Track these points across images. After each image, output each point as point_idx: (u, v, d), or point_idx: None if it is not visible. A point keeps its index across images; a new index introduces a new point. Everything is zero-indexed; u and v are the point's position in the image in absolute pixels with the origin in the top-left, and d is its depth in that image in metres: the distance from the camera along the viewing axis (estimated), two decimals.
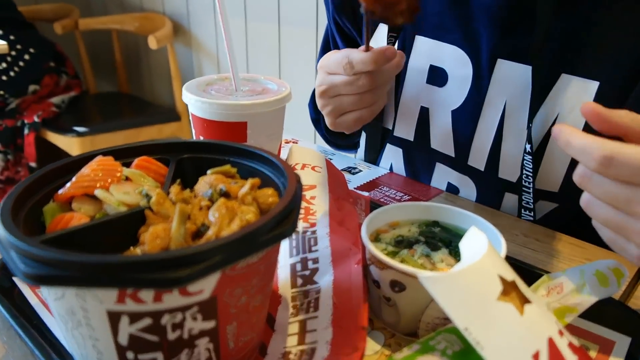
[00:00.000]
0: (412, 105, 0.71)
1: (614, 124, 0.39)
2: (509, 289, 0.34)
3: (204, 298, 0.31)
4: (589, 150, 0.37)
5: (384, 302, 0.42)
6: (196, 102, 0.51)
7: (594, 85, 0.57)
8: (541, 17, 0.57)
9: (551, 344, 0.32)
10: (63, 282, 0.28)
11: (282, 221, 0.33)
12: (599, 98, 0.57)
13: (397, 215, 0.49)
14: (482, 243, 0.36)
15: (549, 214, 0.66)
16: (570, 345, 0.33)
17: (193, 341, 0.33)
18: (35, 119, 2.10)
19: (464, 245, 0.38)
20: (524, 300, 0.33)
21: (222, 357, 0.35)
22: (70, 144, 2.04)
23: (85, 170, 0.40)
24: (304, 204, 0.50)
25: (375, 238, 0.46)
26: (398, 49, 0.69)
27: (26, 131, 2.10)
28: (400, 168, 0.78)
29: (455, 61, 0.66)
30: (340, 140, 0.86)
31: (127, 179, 0.41)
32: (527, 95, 0.60)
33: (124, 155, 0.44)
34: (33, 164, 2.13)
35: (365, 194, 0.62)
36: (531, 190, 0.62)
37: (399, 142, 0.75)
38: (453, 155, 0.70)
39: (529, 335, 0.32)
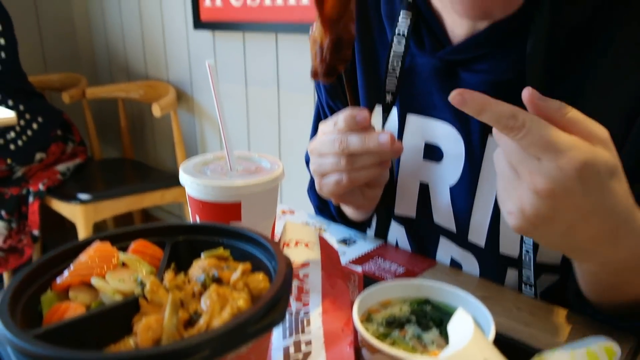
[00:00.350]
0: (411, 182, 0.72)
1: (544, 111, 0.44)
2: None
3: None
4: (506, 119, 0.43)
5: None
6: (192, 183, 0.53)
7: None
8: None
9: None
10: None
11: (271, 309, 0.34)
12: None
13: (389, 293, 0.50)
14: (468, 327, 0.37)
15: (551, 286, 0.66)
16: None
17: None
18: (41, 187, 2.13)
19: (451, 328, 0.39)
20: None
21: None
22: (73, 212, 2.06)
23: (83, 257, 0.42)
24: (296, 283, 0.51)
25: (367, 318, 0.47)
26: (388, 130, 0.72)
27: (31, 199, 2.13)
28: (405, 243, 0.78)
29: (448, 138, 0.67)
30: (349, 224, 0.83)
31: (123, 264, 0.43)
32: None
33: (121, 239, 0.46)
34: (36, 232, 2.15)
35: (359, 267, 0.63)
36: (532, 266, 0.62)
37: (401, 220, 0.76)
38: (454, 230, 0.70)
39: None
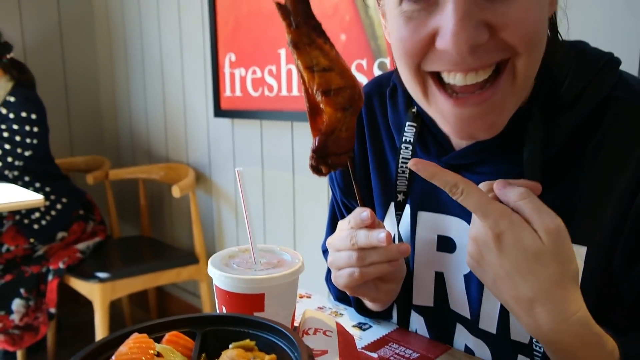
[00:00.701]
0: (426, 273, 0.76)
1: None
2: None
3: None
4: (448, 185, 0.56)
5: None
6: (220, 276, 0.59)
7: (582, 250, 0.62)
8: None
9: None
10: None
11: None
12: (588, 261, 0.61)
13: None
14: None
15: None
16: None
17: None
18: (61, 265, 2.19)
19: None
20: None
21: None
22: (91, 290, 2.10)
23: (123, 348, 0.46)
24: None
25: None
26: (403, 226, 0.77)
27: (50, 277, 2.18)
28: (424, 332, 0.81)
29: (459, 231, 0.72)
30: (368, 315, 0.85)
31: (158, 354, 0.47)
32: None
33: (157, 330, 0.51)
34: (53, 310, 2.18)
35: (375, 354, 0.66)
36: (541, 355, 0.64)
37: (420, 310, 0.79)
38: (469, 317, 0.73)
39: None
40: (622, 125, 0.61)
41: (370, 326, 0.81)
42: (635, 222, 0.59)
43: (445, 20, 0.54)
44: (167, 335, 0.50)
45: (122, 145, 3.11)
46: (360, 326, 0.80)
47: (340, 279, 0.68)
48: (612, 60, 0.64)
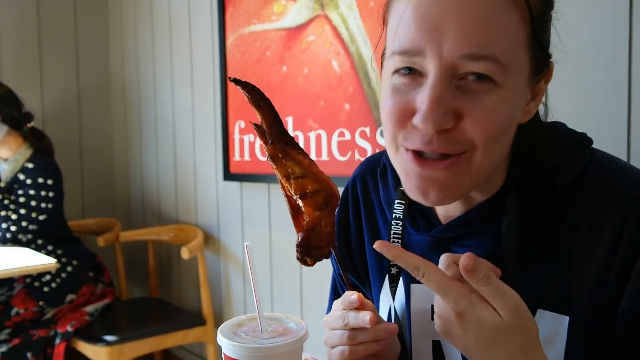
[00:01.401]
0: (424, 342, 0.78)
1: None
2: None
3: None
4: (410, 266, 0.60)
5: None
6: (228, 345, 0.62)
7: (565, 319, 0.65)
8: (508, 269, 0.67)
9: None
10: None
11: None
12: (571, 330, 0.64)
13: None
14: None
15: None
16: None
17: None
18: (69, 328, 2.20)
19: None
20: None
21: None
22: (99, 354, 2.10)
23: None
24: None
25: None
26: (398, 298, 0.81)
27: (58, 341, 2.19)
28: None
29: None
30: None
31: None
32: None
33: None
34: None
35: None
36: None
37: None
38: None
39: None
40: (594, 201, 0.66)
41: None
42: (614, 291, 0.63)
43: (422, 99, 0.60)
44: None
45: (133, 207, 3.18)
46: None
47: (333, 356, 0.72)
48: (584, 141, 0.69)
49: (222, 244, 2.55)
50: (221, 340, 0.64)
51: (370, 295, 0.89)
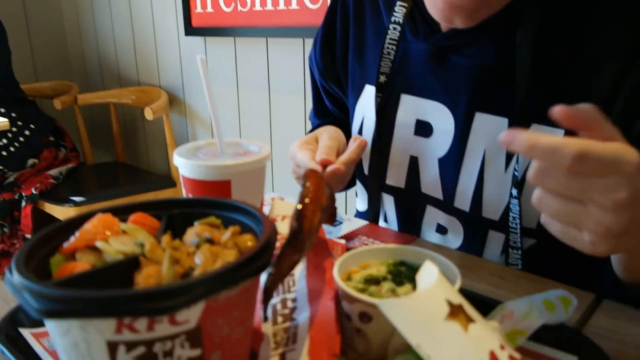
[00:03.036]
0: (402, 156, 0.79)
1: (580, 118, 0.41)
2: (456, 310, 0.39)
3: (191, 327, 0.36)
4: (561, 149, 0.38)
5: (355, 333, 0.47)
6: (186, 164, 0.58)
7: (560, 133, 0.64)
8: (520, 82, 0.65)
9: (492, 355, 0.37)
10: (71, 314, 0.34)
11: (257, 259, 0.39)
12: None
13: (368, 257, 0.54)
14: (434, 274, 0.42)
15: (528, 250, 0.71)
16: (511, 357, 0.38)
17: None
18: (33, 191, 2.16)
19: (419, 277, 0.44)
20: (469, 320, 0.39)
21: None
22: (67, 214, 2.09)
23: (87, 225, 0.46)
24: None
25: (347, 277, 0.52)
26: (384, 107, 0.79)
27: (23, 203, 2.16)
28: (392, 214, 0.84)
29: (439, 116, 0.74)
30: None
31: (124, 232, 0.47)
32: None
33: (121, 212, 0.50)
34: (28, 236, 2.17)
35: (343, 241, 0.68)
36: (518, 231, 0.68)
37: (391, 190, 0.83)
38: (441, 198, 0.77)
39: (473, 349, 0.37)
40: (612, 16, 0.61)
41: (341, 222, 0.82)
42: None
43: None
44: (133, 216, 0.50)
45: (90, 69, 2.99)
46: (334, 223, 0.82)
47: (294, 174, 0.74)
48: None
49: (187, 105, 2.45)
50: (178, 160, 0.60)
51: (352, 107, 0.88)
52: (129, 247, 0.44)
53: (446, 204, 0.76)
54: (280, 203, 0.65)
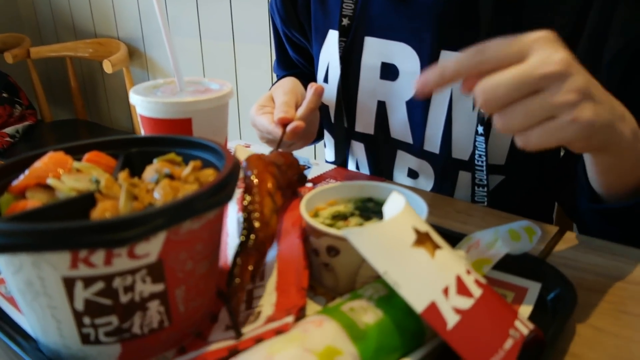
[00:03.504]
0: (369, 101, 0.77)
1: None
2: (422, 238, 0.38)
3: (151, 261, 0.35)
4: (465, 57, 0.41)
5: (323, 268, 0.46)
6: (143, 102, 0.55)
7: None
8: (484, 16, 0.63)
9: (459, 279, 0.37)
10: (21, 248, 0.32)
11: (219, 191, 0.37)
12: None
13: (335, 194, 0.53)
14: (400, 203, 0.41)
15: (497, 186, 0.72)
16: (476, 281, 0.38)
17: (145, 304, 0.36)
18: None
19: (386, 207, 0.43)
20: (436, 247, 0.38)
21: (173, 319, 0.38)
22: None
23: (38, 163, 0.44)
24: None
25: (314, 214, 0.51)
26: (349, 52, 0.76)
27: None
28: (363, 161, 0.84)
29: (404, 57, 0.72)
30: None
31: (78, 171, 0.45)
32: None
33: (75, 151, 0.48)
34: None
35: (311, 185, 0.66)
36: (484, 168, 0.69)
37: (361, 137, 0.81)
38: (411, 142, 0.76)
39: (439, 274, 0.37)
40: None
41: (309, 167, 0.81)
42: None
43: None
44: (87, 155, 0.47)
45: (42, 22, 2.83)
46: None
47: (262, 140, 0.73)
48: None
49: (148, 57, 2.35)
50: (135, 99, 0.57)
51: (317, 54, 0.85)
52: (83, 184, 0.42)
53: (416, 148, 0.76)
54: (244, 149, 0.63)
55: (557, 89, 0.39)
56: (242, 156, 0.63)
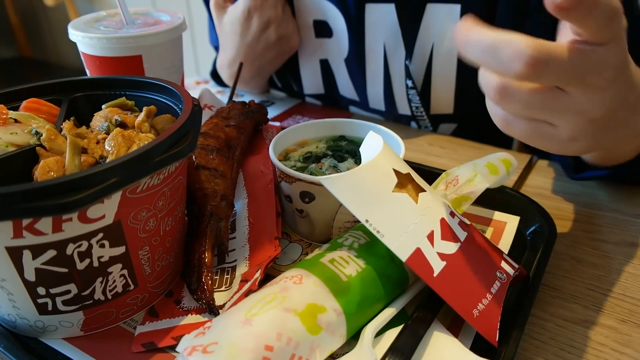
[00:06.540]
0: (312, 61, 0.73)
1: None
2: (404, 181, 0.36)
3: (108, 223, 0.31)
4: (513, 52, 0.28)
5: (297, 215, 0.44)
6: (84, 38, 0.49)
7: (457, 9, 0.60)
8: None
9: (443, 223, 0.35)
10: None
11: (179, 141, 0.33)
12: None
13: (305, 134, 0.50)
14: (378, 144, 0.38)
15: (452, 134, 0.70)
16: (461, 223, 0.36)
17: (105, 269, 0.33)
18: None
19: (363, 148, 0.40)
20: (419, 190, 0.36)
21: (139, 282, 0.36)
22: None
23: None
24: None
25: (285, 157, 0.47)
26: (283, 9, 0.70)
27: None
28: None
29: (331, 14, 0.68)
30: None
31: (15, 121, 0.40)
32: (399, 34, 0.62)
33: (10, 99, 0.42)
34: None
35: (277, 123, 0.63)
36: (426, 117, 0.67)
37: (314, 98, 0.78)
38: (358, 100, 0.73)
39: (424, 219, 0.34)
40: None
41: (273, 103, 0.77)
42: None
43: None
44: (25, 103, 0.42)
45: None
46: (262, 103, 0.76)
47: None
48: None
49: None
50: (75, 35, 0.50)
51: None
52: (22, 138, 0.37)
53: (364, 105, 0.73)
54: (210, 93, 0.59)
55: (578, 105, 0.31)
56: (208, 101, 0.58)
